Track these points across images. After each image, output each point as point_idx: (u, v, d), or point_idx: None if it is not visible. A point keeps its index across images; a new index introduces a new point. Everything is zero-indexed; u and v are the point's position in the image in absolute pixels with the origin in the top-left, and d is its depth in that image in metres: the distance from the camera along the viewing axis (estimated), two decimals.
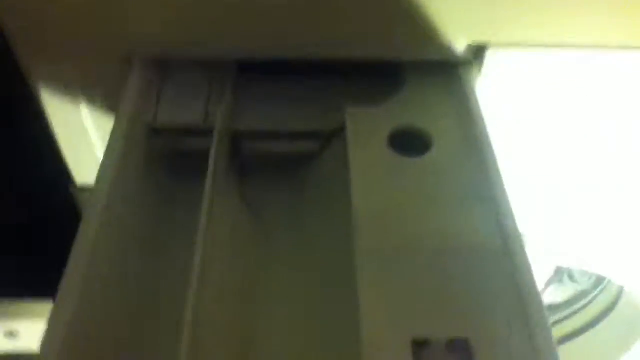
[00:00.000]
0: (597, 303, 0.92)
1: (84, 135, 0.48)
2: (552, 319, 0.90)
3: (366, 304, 0.31)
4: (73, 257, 0.32)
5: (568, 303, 0.92)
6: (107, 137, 0.38)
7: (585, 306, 0.92)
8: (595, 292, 0.92)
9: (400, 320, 0.31)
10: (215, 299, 0.34)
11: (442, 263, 0.33)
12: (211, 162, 0.36)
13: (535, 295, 0.32)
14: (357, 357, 0.30)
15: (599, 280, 0.91)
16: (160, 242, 0.39)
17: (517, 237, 0.33)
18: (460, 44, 0.40)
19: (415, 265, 0.33)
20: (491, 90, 0.41)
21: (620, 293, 0.89)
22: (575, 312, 0.91)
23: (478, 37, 0.40)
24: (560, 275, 0.90)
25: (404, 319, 0.31)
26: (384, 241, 0.33)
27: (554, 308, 0.91)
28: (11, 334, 0.55)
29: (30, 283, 0.55)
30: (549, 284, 0.90)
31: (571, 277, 0.91)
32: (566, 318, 0.91)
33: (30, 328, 0.55)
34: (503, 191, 0.35)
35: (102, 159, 0.37)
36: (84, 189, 0.52)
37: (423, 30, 0.40)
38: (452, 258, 0.33)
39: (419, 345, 0.30)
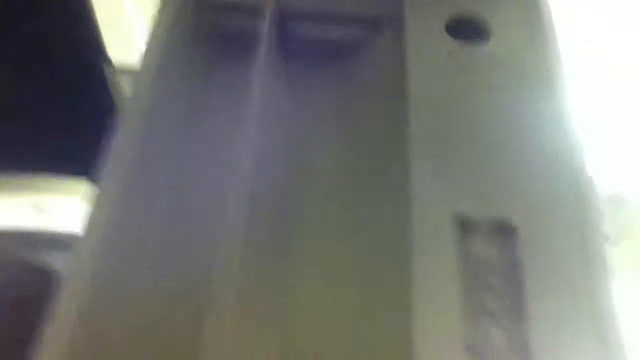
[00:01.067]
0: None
1: (122, 11, 0.46)
2: None
3: (417, 184, 0.32)
4: (119, 138, 0.32)
5: None
6: (146, 15, 0.37)
7: None
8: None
9: (448, 200, 0.31)
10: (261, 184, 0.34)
11: (495, 145, 0.33)
12: (263, 41, 0.35)
13: (591, 190, 0.32)
14: (402, 242, 0.31)
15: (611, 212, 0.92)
16: (203, 123, 0.39)
17: (576, 132, 0.33)
18: None
19: (468, 145, 0.33)
20: None
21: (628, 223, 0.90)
22: None
23: None
24: None
25: (453, 198, 0.32)
26: (440, 125, 0.33)
27: None
28: (39, 209, 0.55)
29: (61, 160, 0.55)
30: None
31: None
32: None
33: (58, 204, 0.55)
34: (565, 88, 0.35)
35: (148, 35, 0.36)
36: (119, 68, 0.51)
37: None
38: (506, 140, 0.33)
39: (465, 224, 0.31)
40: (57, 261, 0.58)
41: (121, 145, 0.32)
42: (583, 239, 0.31)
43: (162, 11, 0.37)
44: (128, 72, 0.50)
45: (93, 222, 0.29)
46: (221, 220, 0.31)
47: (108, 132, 0.32)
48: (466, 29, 0.37)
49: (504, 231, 0.31)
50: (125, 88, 0.51)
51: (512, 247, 0.31)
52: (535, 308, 0.29)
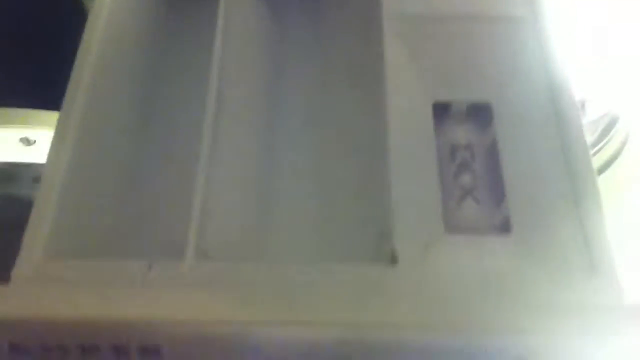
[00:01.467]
0: (601, 155, 0.93)
1: None
2: None
3: (391, 68, 0.31)
4: (78, 64, 0.32)
5: None
6: None
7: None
8: (600, 145, 0.93)
9: (423, 84, 0.31)
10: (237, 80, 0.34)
11: (468, 30, 0.33)
12: None
13: (562, 62, 0.32)
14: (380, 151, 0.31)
15: (604, 133, 0.91)
16: (167, 38, 0.38)
17: (547, 8, 0.33)
18: None
19: (442, 31, 0.33)
20: None
21: (624, 144, 0.89)
22: None
23: None
24: None
25: (427, 83, 0.31)
26: (411, 6, 0.33)
27: None
28: (27, 141, 0.56)
29: (47, 93, 0.55)
30: None
31: None
32: None
33: (46, 137, 0.55)
34: None
35: None
36: None
37: None
38: (479, 25, 0.33)
39: (441, 108, 0.31)
40: None
41: (80, 68, 0.32)
42: (559, 120, 0.30)
43: None
44: None
45: (59, 145, 0.29)
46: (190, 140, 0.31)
47: None
48: None
49: (480, 113, 0.31)
50: None
51: (488, 128, 0.31)
52: (513, 185, 0.29)
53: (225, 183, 0.29)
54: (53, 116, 0.56)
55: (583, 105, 0.89)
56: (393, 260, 0.26)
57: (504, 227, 0.28)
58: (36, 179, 0.57)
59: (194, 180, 0.27)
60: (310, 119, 0.35)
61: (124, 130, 0.33)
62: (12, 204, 0.58)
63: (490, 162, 0.31)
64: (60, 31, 0.54)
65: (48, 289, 0.22)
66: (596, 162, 0.90)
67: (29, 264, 0.24)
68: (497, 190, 0.29)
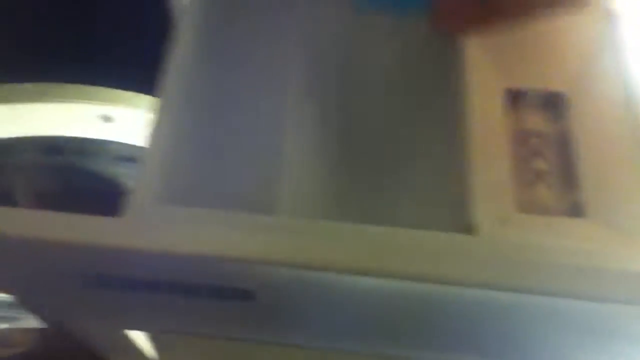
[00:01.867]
0: None
1: None
2: None
3: (468, 55, 0.33)
4: (174, 55, 0.33)
5: None
6: None
7: None
8: None
9: (499, 71, 0.33)
10: None
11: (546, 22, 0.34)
12: None
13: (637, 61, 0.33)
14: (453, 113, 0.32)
15: None
16: (259, 24, 0.38)
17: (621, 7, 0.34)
18: None
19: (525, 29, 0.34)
20: None
21: None
22: None
23: None
24: None
25: (503, 69, 0.33)
26: None
27: None
28: (106, 118, 0.58)
29: (127, 73, 0.57)
30: None
31: None
32: None
33: (123, 115, 0.58)
34: None
35: None
36: None
37: None
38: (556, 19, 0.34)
39: (514, 95, 0.33)
40: (120, 171, 0.61)
41: (180, 54, 0.33)
42: (632, 111, 0.32)
43: None
44: None
45: (158, 133, 0.30)
46: (284, 119, 0.32)
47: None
48: None
49: (555, 102, 0.33)
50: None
51: (562, 117, 0.32)
52: (585, 173, 0.30)
53: (307, 146, 0.31)
54: (131, 96, 0.60)
55: None
56: (470, 230, 0.27)
57: (576, 212, 0.29)
58: (115, 158, 0.59)
59: (278, 145, 0.29)
60: (391, 91, 0.36)
61: (219, 103, 0.35)
62: (88, 177, 0.61)
63: (563, 150, 0.32)
64: (145, 16, 0.57)
65: (157, 227, 0.24)
66: None
67: (137, 207, 0.26)
68: (569, 178, 0.30)
